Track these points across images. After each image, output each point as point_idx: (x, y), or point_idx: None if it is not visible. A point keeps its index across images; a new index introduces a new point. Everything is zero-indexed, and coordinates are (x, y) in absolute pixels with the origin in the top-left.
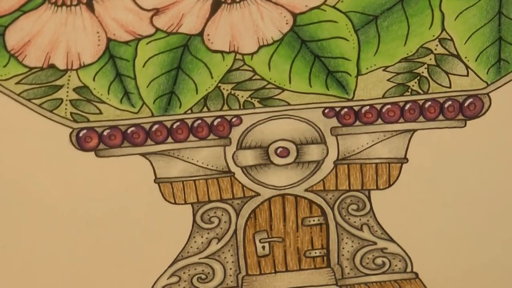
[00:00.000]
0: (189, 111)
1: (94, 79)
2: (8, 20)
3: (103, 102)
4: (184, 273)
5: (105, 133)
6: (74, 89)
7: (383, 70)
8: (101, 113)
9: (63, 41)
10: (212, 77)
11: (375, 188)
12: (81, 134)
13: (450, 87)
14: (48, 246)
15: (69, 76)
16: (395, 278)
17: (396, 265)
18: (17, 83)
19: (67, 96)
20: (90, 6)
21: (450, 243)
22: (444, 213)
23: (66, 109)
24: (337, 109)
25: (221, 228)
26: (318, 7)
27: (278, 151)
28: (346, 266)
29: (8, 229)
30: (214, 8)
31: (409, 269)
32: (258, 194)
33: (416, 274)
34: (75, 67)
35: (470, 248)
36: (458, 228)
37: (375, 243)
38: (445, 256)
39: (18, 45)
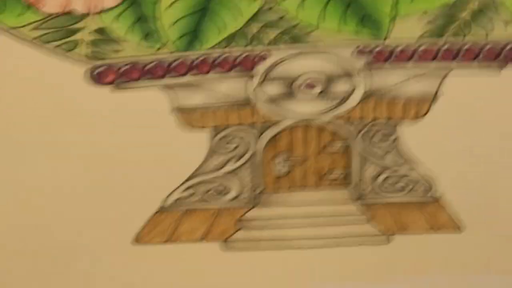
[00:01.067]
0: (213, 47)
1: (115, 21)
2: None
3: (124, 40)
4: (199, 187)
5: (123, 68)
6: (94, 31)
7: (421, 13)
8: (120, 51)
9: None
10: (241, 16)
11: (401, 121)
12: (98, 71)
13: (489, 33)
14: (69, 180)
15: (89, 19)
16: (413, 200)
17: (417, 189)
18: (34, 29)
19: (86, 37)
20: None
21: (472, 171)
22: (467, 150)
23: (84, 48)
24: (369, 49)
25: (240, 150)
26: None
27: (303, 85)
28: (365, 188)
29: (28, 166)
30: None
31: (430, 194)
32: (279, 121)
33: (436, 198)
34: (96, 11)
35: (492, 174)
36: (482, 160)
37: (396, 170)
38: (467, 181)
39: None
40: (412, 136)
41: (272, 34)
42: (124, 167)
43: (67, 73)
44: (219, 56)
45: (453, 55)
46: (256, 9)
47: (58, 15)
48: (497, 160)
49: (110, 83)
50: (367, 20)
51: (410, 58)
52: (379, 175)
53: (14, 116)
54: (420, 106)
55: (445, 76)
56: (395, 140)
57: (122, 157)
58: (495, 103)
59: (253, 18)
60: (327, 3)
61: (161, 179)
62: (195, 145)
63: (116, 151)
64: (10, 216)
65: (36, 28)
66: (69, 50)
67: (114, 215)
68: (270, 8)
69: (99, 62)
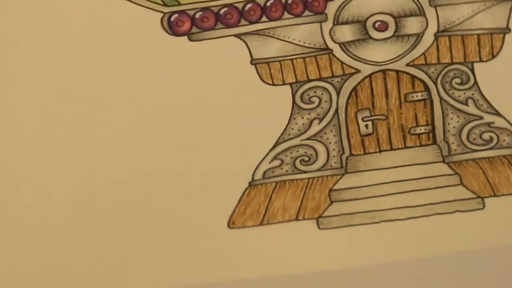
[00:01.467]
0: None
1: None
2: None
3: None
4: (286, 156)
5: (197, 15)
6: None
7: None
8: None
9: None
10: None
11: (478, 60)
12: (172, 18)
13: None
14: (143, 131)
15: None
16: (504, 154)
17: (504, 140)
18: None
19: None
20: None
21: None
22: None
23: None
24: None
25: (322, 108)
26: None
27: (377, 25)
28: (452, 143)
29: (99, 118)
30: None
31: None
32: (358, 71)
33: None
34: None
35: None
36: None
37: (481, 118)
38: None
39: None
40: (490, 77)
41: None
42: (206, 132)
43: (144, 21)
44: None
45: None
46: None
47: None
48: None
49: (187, 32)
50: None
51: None
52: (464, 126)
53: (85, 62)
54: (493, 42)
55: None
56: (474, 83)
57: (202, 122)
58: None
59: None
60: None
61: (247, 145)
62: (277, 103)
63: (192, 115)
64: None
65: None
66: None
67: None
68: None
69: (173, 9)
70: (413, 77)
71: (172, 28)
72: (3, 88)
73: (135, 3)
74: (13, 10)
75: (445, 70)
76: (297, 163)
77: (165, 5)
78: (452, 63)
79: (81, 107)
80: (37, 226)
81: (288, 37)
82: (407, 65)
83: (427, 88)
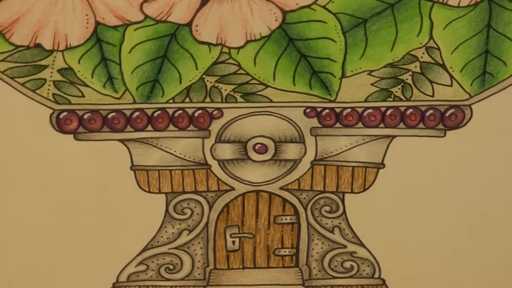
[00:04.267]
0: (171, 101)
1: (79, 62)
2: None
3: (86, 85)
4: (152, 262)
5: (85, 116)
6: (58, 70)
7: (368, 74)
8: (83, 96)
9: (51, 21)
10: (197, 68)
11: (350, 191)
12: (61, 116)
13: (433, 95)
14: (20, 222)
15: (55, 57)
16: (362, 283)
17: (364, 270)
18: (2, 60)
19: (51, 76)
20: None
21: (419, 252)
22: (416, 222)
23: (48, 89)
24: (319, 110)
25: (193, 220)
26: (308, 6)
27: (256, 147)
28: (314, 267)
29: None
30: (205, 0)
31: (376, 275)
32: (232, 189)
33: (383, 280)
34: (61, 48)
35: (440, 258)
36: (429, 237)
37: (345, 246)
38: (413, 264)
39: (6, 22)
40: (359, 208)
41: (227, 88)
42: (80, 227)
43: (33, 115)
44: (176, 110)
45: (398, 120)
46: (211, 62)
47: (26, 48)
48: None
49: (73, 131)
50: (316, 79)
51: (356, 122)
52: (327, 253)
53: None
54: (367, 176)
55: (390, 142)
56: (343, 213)
57: (77, 217)
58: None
59: (209, 70)
60: (279, 59)
61: (115, 246)
62: (151, 209)
63: (72, 210)
64: None
65: (3, 60)
66: (35, 90)
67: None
68: (224, 62)
69: (63, 107)
70: (284, 200)
71: (60, 125)
72: None
73: (27, 96)
74: None
75: (317, 197)
76: (162, 270)
77: (57, 102)
78: (324, 191)
79: None
80: None
81: (170, 148)
82: (281, 188)
83: (296, 212)
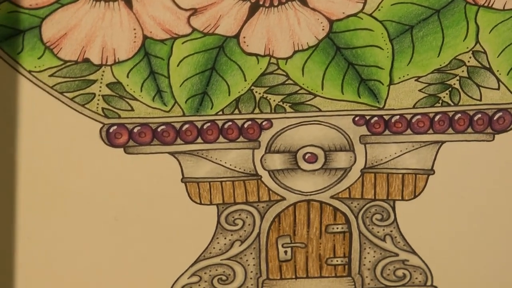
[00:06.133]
0: (221, 113)
1: (127, 76)
2: (45, 12)
3: (135, 99)
4: (205, 273)
5: (135, 130)
6: (107, 85)
7: (415, 80)
8: (132, 110)
9: (99, 36)
10: (245, 80)
11: (400, 198)
12: (111, 130)
13: (480, 100)
14: (74, 236)
15: (103, 72)
16: None
17: (416, 278)
18: (51, 75)
19: (99, 91)
20: (128, 3)
21: (472, 258)
22: (468, 228)
23: (98, 104)
24: (367, 117)
25: (245, 231)
26: (355, 15)
27: (306, 157)
28: (366, 276)
29: (35, 222)
30: (252, 11)
31: (429, 283)
32: (283, 199)
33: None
34: (109, 63)
35: (493, 264)
36: (481, 243)
37: (397, 255)
38: (466, 271)
39: (54, 38)
40: (410, 216)
41: (276, 99)
42: (133, 240)
43: (83, 129)
44: (226, 122)
45: (446, 125)
46: (259, 73)
47: (74, 63)
48: None
49: (124, 144)
50: (364, 87)
51: (405, 129)
52: (379, 261)
53: (32, 168)
54: (417, 182)
55: (439, 148)
56: (394, 221)
57: (130, 230)
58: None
59: (257, 81)
60: (326, 68)
61: (168, 258)
62: (202, 221)
63: (121, 228)
64: None
65: (52, 75)
66: (84, 104)
67: None
68: (272, 72)
69: (113, 121)
70: (335, 209)
71: (109, 139)
72: None
73: (76, 110)
74: None
75: (367, 205)
76: (215, 281)
77: (106, 116)
78: (375, 199)
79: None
80: None
81: (220, 160)
82: (331, 197)
83: (348, 221)
